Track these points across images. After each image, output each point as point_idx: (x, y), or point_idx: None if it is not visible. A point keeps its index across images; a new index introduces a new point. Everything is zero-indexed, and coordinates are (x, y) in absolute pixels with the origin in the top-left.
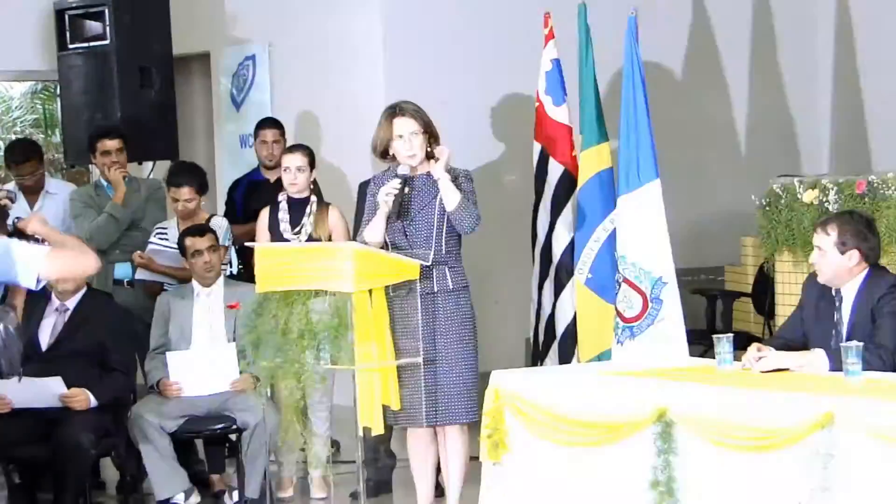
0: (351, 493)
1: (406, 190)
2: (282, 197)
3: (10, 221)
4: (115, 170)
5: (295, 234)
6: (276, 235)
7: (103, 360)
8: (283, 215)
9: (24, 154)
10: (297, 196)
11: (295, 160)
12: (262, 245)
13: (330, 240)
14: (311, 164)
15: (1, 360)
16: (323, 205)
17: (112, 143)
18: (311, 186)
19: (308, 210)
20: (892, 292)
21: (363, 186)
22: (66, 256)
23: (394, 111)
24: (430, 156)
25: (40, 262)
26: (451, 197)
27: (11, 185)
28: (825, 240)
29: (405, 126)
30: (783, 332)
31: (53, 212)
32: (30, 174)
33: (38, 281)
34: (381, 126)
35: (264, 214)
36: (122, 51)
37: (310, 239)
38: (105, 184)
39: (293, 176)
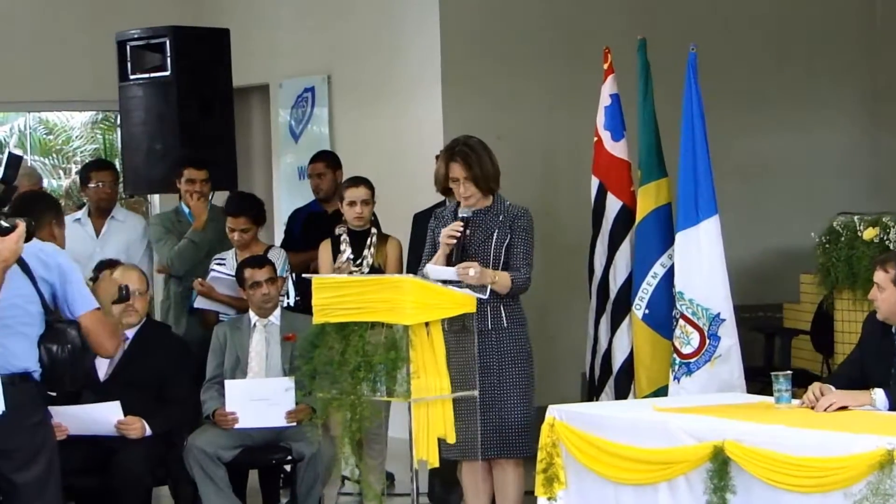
0: None
1: (467, 232)
2: (339, 230)
3: None
4: (197, 199)
5: (357, 265)
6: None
7: (161, 391)
8: (345, 247)
9: (102, 163)
10: (359, 228)
11: (360, 193)
12: (318, 276)
13: (384, 269)
14: (373, 196)
15: (66, 374)
16: (383, 236)
17: (198, 174)
18: (372, 218)
19: (369, 241)
20: None
21: (417, 218)
22: (109, 323)
23: (450, 154)
24: (489, 190)
25: (89, 305)
26: (501, 288)
27: (78, 215)
28: (884, 277)
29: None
30: (842, 370)
31: (116, 238)
32: (108, 182)
33: (74, 316)
34: (439, 163)
35: (326, 246)
36: (182, 82)
37: (371, 269)
38: (186, 210)
39: (360, 209)
